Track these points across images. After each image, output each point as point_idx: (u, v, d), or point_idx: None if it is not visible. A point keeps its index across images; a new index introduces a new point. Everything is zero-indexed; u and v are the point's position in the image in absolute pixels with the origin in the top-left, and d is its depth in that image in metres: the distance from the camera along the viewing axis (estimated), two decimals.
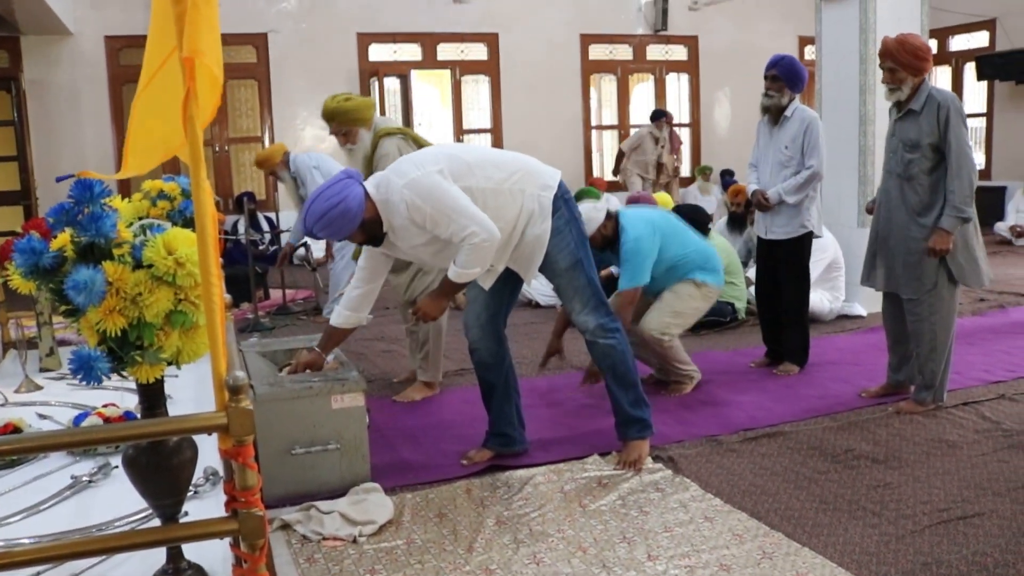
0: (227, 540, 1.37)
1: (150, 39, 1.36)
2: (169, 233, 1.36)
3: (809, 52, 11.90)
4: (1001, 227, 9.85)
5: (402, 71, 10.54)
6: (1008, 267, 7.95)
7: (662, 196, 7.48)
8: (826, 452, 3.40)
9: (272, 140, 10.36)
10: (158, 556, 1.48)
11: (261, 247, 7.66)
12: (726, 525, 2.77)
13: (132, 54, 9.73)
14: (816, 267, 5.36)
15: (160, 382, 1.45)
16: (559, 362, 4.30)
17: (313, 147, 9.81)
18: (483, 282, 3.18)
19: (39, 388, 2.86)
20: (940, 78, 12.13)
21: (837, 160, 5.85)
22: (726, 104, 12.48)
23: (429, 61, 11.01)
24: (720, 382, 4.43)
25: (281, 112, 10.37)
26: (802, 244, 4.52)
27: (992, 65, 10.99)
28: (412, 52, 10.94)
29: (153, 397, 1.46)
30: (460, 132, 11.22)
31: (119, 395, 2.59)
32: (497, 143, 11.13)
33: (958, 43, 12.12)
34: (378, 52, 10.76)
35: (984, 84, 11.62)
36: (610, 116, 12.31)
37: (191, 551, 1.51)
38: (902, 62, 3.66)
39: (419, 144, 3.99)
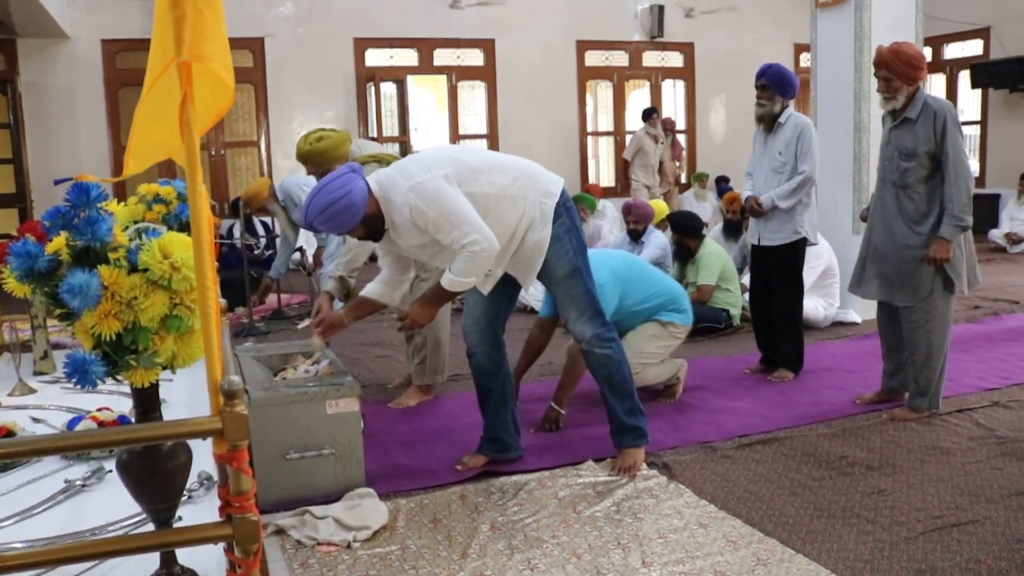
0: (221, 545, 1.37)
1: (154, 43, 1.37)
2: (165, 237, 1.36)
3: (804, 59, 11.95)
4: (996, 234, 9.89)
5: (398, 76, 10.56)
6: (1003, 275, 7.97)
7: (658, 204, 7.50)
8: (820, 459, 3.40)
9: (268, 145, 10.37)
10: (152, 561, 1.48)
11: (256, 251, 7.66)
12: (720, 531, 2.77)
13: (128, 58, 9.73)
14: (811, 274, 5.38)
15: (155, 386, 1.45)
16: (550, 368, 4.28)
17: None
18: (482, 287, 3.17)
19: (33, 391, 2.86)
20: (935, 86, 12.18)
21: (832, 167, 5.87)
22: (722, 111, 12.51)
23: (425, 66, 11.03)
24: (715, 388, 4.43)
25: (277, 116, 10.37)
26: (795, 250, 4.52)
27: (986, 73, 11.05)
28: (408, 57, 10.96)
29: (148, 401, 1.46)
30: (456, 137, 11.23)
31: (113, 399, 2.59)
32: (493, 149, 11.14)
33: (952, 51, 12.18)
34: (375, 57, 10.77)
35: (978, 92, 11.68)
36: (606, 122, 12.33)
37: (185, 556, 1.50)
38: (896, 71, 3.67)
39: None
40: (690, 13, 12.00)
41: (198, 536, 1.23)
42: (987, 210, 10.60)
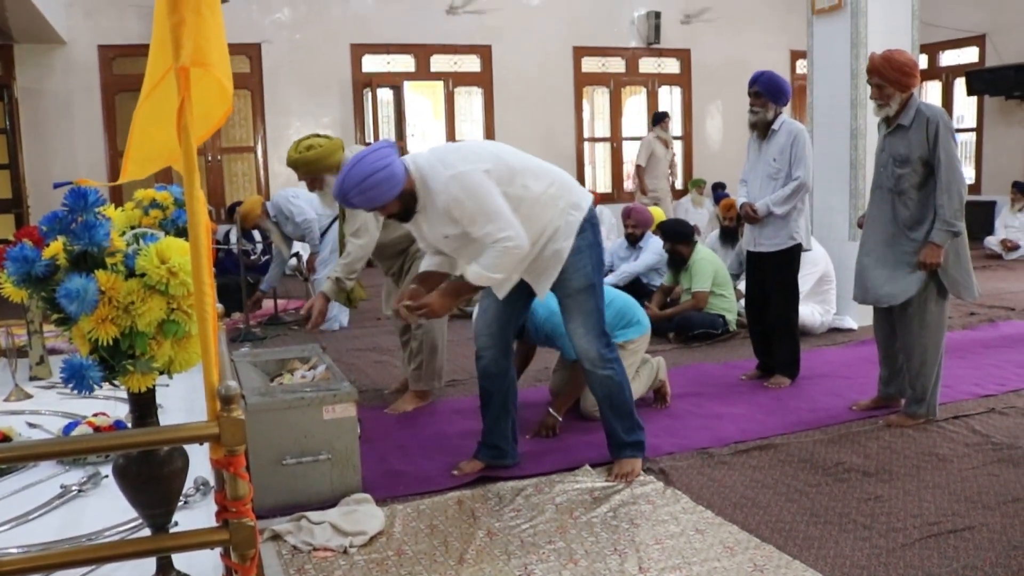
0: (218, 550, 1.37)
1: (153, 49, 1.37)
2: (162, 242, 1.36)
3: (801, 66, 11.98)
4: (991, 241, 9.91)
5: (395, 82, 10.57)
6: (998, 281, 7.99)
7: (654, 211, 7.51)
8: (817, 465, 3.40)
9: (265, 151, 10.37)
10: (148, 566, 1.48)
11: (253, 257, 7.66)
12: (717, 537, 2.77)
13: (125, 63, 9.73)
14: (807, 280, 5.39)
15: (151, 391, 1.45)
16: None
17: None
18: (498, 291, 3.17)
19: (29, 397, 2.86)
20: (930, 93, 12.23)
21: (828, 174, 5.89)
22: (718, 117, 12.54)
23: (422, 72, 11.04)
24: (711, 394, 4.43)
25: (274, 122, 10.37)
26: (790, 256, 4.53)
27: (982, 80, 11.09)
28: (405, 63, 10.97)
29: (144, 406, 1.46)
30: None
31: (110, 404, 2.59)
32: None
33: (948, 58, 12.22)
34: (371, 63, 10.78)
35: (974, 99, 11.72)
36: (603, 128, 12.35)
37: (181, 561, 1.50)
38: (889, 78, 3.69)
39: None
40: (687, 20, 12.03)
41: (195, 541, 1.23)
42: (983, 217, 10.65)
